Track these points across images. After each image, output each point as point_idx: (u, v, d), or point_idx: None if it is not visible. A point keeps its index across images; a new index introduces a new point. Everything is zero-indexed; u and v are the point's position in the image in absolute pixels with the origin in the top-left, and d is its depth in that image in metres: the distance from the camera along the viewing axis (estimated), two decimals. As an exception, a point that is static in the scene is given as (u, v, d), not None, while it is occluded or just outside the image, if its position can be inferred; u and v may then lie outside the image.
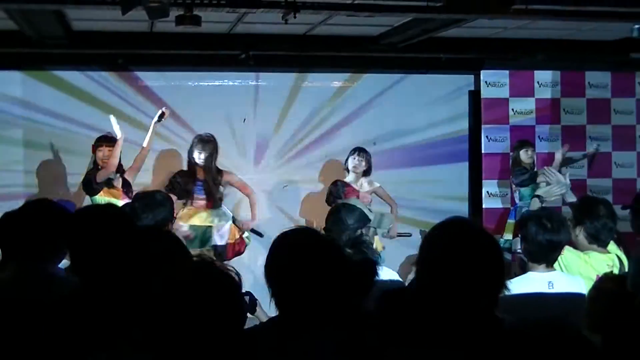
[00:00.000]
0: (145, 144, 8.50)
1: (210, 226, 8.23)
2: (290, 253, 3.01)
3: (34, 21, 7.78)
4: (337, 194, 8.49)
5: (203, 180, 8.29)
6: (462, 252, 2.53)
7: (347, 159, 8.79)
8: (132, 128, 9.08)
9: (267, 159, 9.88)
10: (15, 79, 9.31)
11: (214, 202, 8.32)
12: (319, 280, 2.95)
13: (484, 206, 9.81)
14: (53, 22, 7.93)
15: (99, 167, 8.17)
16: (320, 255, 2.99)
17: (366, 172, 8.76)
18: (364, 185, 8.75)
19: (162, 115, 8.43)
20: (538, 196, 6.08)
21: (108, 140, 8.23)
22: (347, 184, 8.67)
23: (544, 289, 4.45)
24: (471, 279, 2.50)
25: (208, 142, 8.31)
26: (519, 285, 4.41)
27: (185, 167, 8.50)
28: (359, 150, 8.78)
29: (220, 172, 8.41)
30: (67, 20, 8.24)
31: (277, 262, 3.02)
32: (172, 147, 9.51)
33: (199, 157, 8.26)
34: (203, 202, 8.30)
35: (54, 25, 8.07)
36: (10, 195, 8.81)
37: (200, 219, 8.25)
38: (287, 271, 2.98)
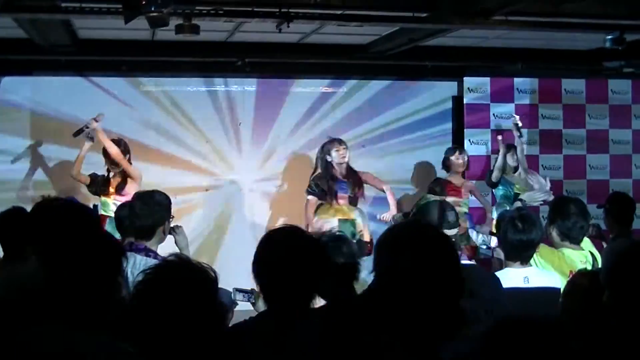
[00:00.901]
0: (108, 148, 8.08)
1: (354, 220, 8.06)
2: (276, 249, 3.06)
3: (42, 30, 7.76)
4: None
5: (345, 180, 8.15)
6: (417, 251, 2.45)
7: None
8: (135, 130, 9.09)
9: (262, 160, 9.85)
10: (25, 84, 9.27)
11: (355, 199, 8.21)
12: (301, 274, 3.01)
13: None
14: (60, 31, 7.91)
15: (108, 169, 8.19)
16: (302, 251, 3.04)
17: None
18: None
19: (81, 131, 8.12)
20: (521, 200, 6.08)
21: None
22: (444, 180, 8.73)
23: (519, 283, 4.45)
24: (428, 277, 2.43)
25: (343, 143, 8.23)
26: (497, 280, 4.39)
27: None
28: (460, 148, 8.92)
29: (355, 171, 8.32)
30: (74, 28, 8.22)
31: (264, 258, 3.07)
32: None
33: (340, 157, 8.10)
34: (345, 200, 8.13)
35: (62, 34, 8.05)
36: (20, 195, 8.81)
37: (344, 214, 8.08)
38: (273, 265, 3.03)
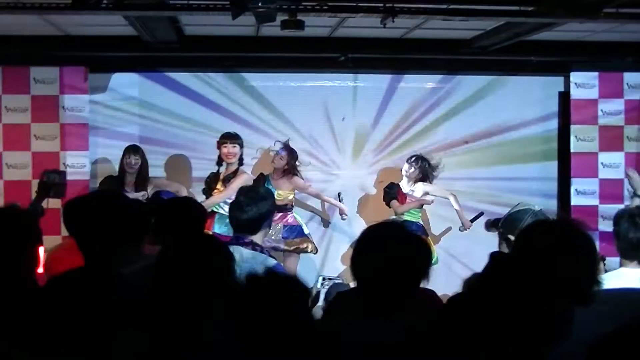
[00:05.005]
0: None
1: None
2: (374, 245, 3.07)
3: (150, 27, 7.91)
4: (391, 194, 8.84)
5: None
6: (561, 251, 2.35)
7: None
8: (239, 126, 9.21)
9: (364, 155, 9.84)
10: (132, 81, 9.50)
11: None
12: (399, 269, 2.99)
13: (572, 203, 9.58)
14: (167, 28, 8.06)
15: (222, 161, 8.48)
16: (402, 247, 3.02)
17: (422, 179, 8.88)
18: (417, 190, 8.89)
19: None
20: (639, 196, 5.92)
21: (232, 137, 8.52)
22: (398, 187, 8.90)
23: (635, 284, 4.31)
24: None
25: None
26: (610, 280, 4.27)
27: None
28: (414, 158, 8.95)
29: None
30: (180, 25, 8.36)
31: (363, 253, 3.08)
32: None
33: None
34: None
35: (168, 31, 8.20)
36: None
37: None
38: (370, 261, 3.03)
